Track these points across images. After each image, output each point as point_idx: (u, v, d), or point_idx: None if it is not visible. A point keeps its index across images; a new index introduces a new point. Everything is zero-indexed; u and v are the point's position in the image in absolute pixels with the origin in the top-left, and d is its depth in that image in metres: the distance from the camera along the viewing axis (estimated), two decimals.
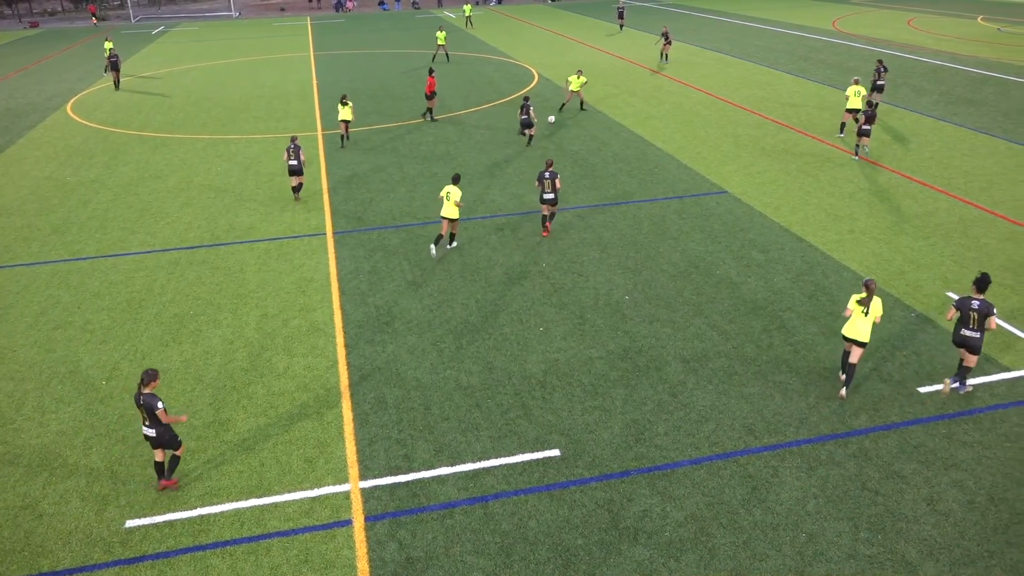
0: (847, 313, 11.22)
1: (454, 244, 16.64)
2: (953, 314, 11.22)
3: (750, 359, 12.45)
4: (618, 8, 53.61)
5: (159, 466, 9.87)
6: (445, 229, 16.25)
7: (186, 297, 14.98)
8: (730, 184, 20.39)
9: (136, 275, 15.96)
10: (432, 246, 16.09)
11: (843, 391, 11.38)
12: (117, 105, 31.82)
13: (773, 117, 27.03)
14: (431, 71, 28.02)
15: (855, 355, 11.25)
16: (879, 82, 26.78)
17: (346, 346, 13.06)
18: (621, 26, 50.02)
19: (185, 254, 16.92)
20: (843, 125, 24.25)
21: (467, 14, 55.95)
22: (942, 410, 11.12)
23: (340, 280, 15.42)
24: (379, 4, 72.04)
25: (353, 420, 11.25)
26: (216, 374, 12.51)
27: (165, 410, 9.69)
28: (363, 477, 10.10)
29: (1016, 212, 18.06)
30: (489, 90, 32.71)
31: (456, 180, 16.23)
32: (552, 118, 25.72)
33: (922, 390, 11.58)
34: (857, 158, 21.79)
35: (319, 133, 26.63)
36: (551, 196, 16.83)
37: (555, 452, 10.44)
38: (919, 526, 9.11)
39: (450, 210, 16.03)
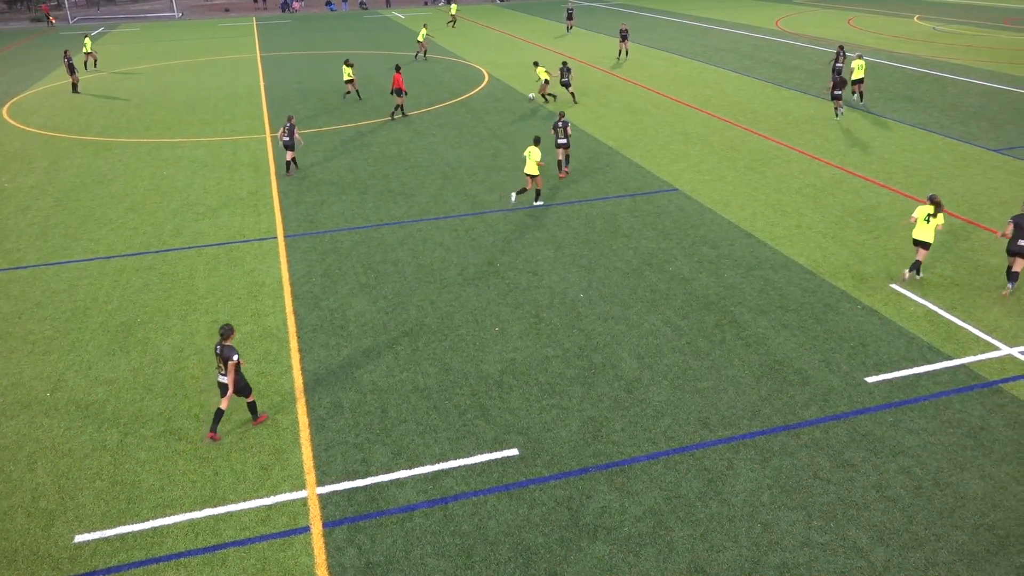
0: (911, 220, 14.59)
1: (539, 202, 18.96)
2: (1010, 229, 13.86)
3: (703, 354, 12.63)
4: (567, 9, 53.83)
5: (218, 413, 10.71)
6: (530, 184, 18.81)
7: (133, 305, 14.62)
8: (680, 182, 20.65)
9: (80, 283, 15.52)
10: (513, 193, 18.83)
11: (917, 275, 14.80)
12: (56, 109, 30.90)
13: (720, 115, 27.48)
14: (397, 67, 28.06)
15: (922, 255, 14.54)
16: (838, 64, 29.04)
17: (300, 351, 12.90)
18: (569, 27, 50.01)
19: (131, 261, 16.51)
20: (860, 95, 28.24)
21: (452, 12, 55.94)
22: (889, 399, 11.43)
23: (292, 284, 15.22)
24: (326, 4, 71.28)
25: (309, 425, 11.12)
26: (166, 383, 12.23)
27: (237, 364, 10.59)
28: (320, 483, 9.99)
29: (954, 205, 18.63)
30: (440, 91, 32.60)
31: (537, 142, 18.82)
32: (532, 95, 28.47)
33: (869, 380, 11.86)
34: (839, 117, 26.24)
35: (267, 136, 26.25)
36: (564, 141, 20.48)
37: (514, 452, 10.45)
38: (869, 513, 9.34)
39: (532, 167, 18.52)
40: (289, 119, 21.47)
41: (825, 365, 12.25)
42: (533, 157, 18.52)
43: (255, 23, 61.36)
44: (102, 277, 15.76)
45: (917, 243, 14.51)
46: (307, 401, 11.66)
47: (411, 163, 22.79)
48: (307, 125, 27.31)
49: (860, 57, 28.91)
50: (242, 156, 23.95)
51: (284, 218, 18.66)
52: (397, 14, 65.51)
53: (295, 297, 14.72)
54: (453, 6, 57.53)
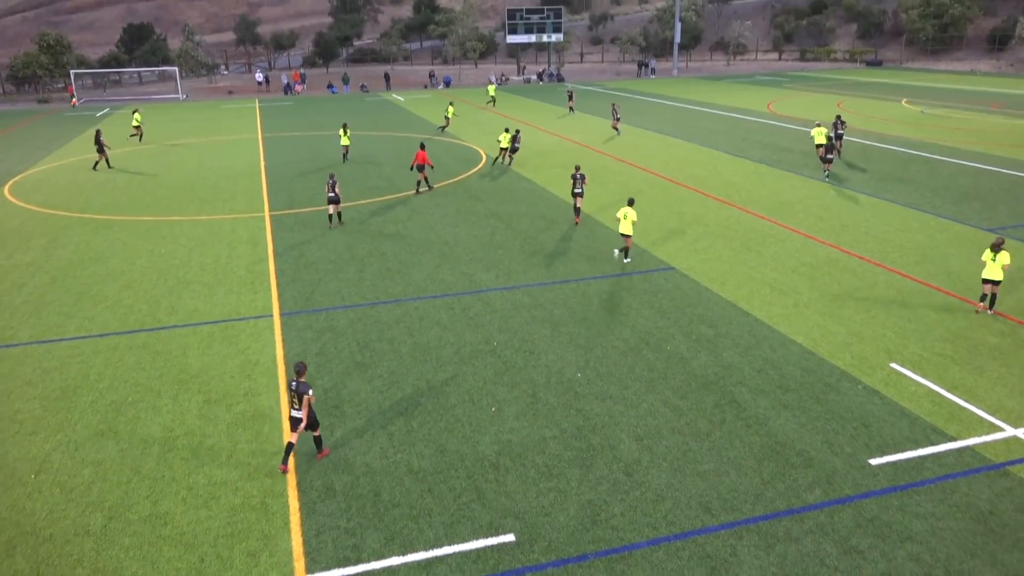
0: (983, 260, 16.81)
1: (627, 259, 20.61)
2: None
3: (703, 435, 12.44)
4: (567, 91, 55.56)
5: (289, 447, 11.55)
6: (629, 244, 20.49)
7: (124, 383, 14.45)
8: (676, 260, 20.77)
9: (72, 361, 15.38)
10: (616, 250, 20.91)
11: (989, 311, 16.67)
12: (58, 187, 31.29)
13: (715, 195, 27.87)
14: (422, 145, 28.95)
15: (991, 289, 16.45)
16: (840, 132, 33.44)
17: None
18: (571, 108, 51.64)
19: (124, 339, 16.42)
20: (823, 159, 30.43)
21: (491, 94, 57.36)
22: (894, 482, 11.19)
23: (287, 363, 15.09)
24: (327, 88, 73.20)
25: (300, 510, 10.83)
26: (155, 464, 11.98)
27: (309, 398, 11.53)
28: (310, 571, 9.66)
29: (950, 283, 18.69)
30: (439, 170, 33.13)
31: (631, 203, 20.47)
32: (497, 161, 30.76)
33: (873, 462, 11.65)
34: (827, 178, 29.32)
35: (266, 214, 26.50)
36: (580, 191, 23.95)
37: (510, 537, 10.16)
38: None
39: (627, 227, 20.23)
40: (331, 176, 23.95)
41: (828, 446, 12.06)
42: (629, 217, 20.25)
43: (257, 105, 62.84)
44: (94, 355, 15.64)
45: (986, 281, 16.47)
46: (298, 483, 11.39)
47: (409, 241, 22.94)
48: (306, 204, 27.59)
49: (819, 125, 33.21)
50: (241, 234, 24.12)
51: (280, 296, 18.63)
52: (397, 96, 67.19)
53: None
54: (491, 87, 58.99)
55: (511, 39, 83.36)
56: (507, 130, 33.78)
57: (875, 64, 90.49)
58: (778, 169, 32.21)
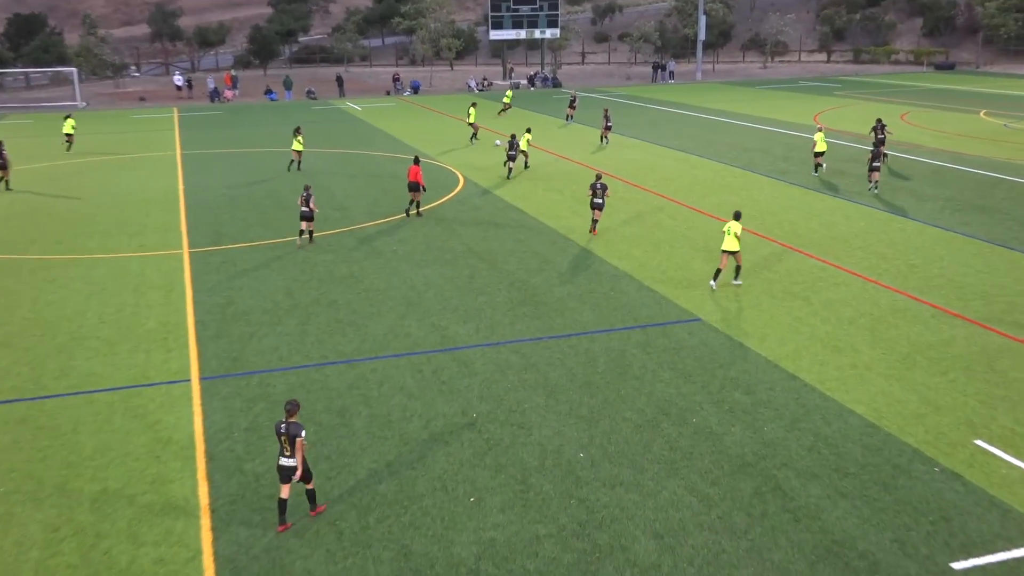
0: None
1: (737, 280, 22.15)
2: None
3: (740, 532, 12.34)
4: (571, 96, 56.58)
5: (283, 504, 12.35)
6: (724, 263, 21.60)
7: None
8: (703, 310, 20.87)
9: None
10: (713, 282, 21.90)
11: None
12: None
13: (751, 228, 28.15)
14: (416, 159, 30.34)
15: None
16: (880, 136, 36.41)
17: (213, 530, 12.50)
18: (569, 117, 52.66)
19: None
20: (817, 166, 36.06)
21: (506, 100, 58.55)
22: None
23: (208, 441, 14.96)
24: (266, 94, 73.94)
25: None
26: (31, 575, 11.71)
27: (303, 441, 12.22)
28: None
29: None
30: (403, 197, 33.40)
31: (738, 216, 21.84)
32: (498, 141, 33.15)
33: (956, 566, 11.58)
34: (875, 190, 32.43)
35: (185, 251, 26.53)
36: (600, 201, 26.76)
37: None
38: None
39: (731, 243, 21.44)
40: (306, 189, 26.30)
41: (899, 546, 11.98)
42: (733, 231, 21.46)
43: (176, 115, 63.39)
44: None
45: None
46: None
47: (365, 286, 22.97)
48: (236, 238, 27.68)
49: (821, 130, 36.86)
50: (151, 277, 24.08)
51: (201, 355, 18.56)
52: (352, 105, 67.98)
53: (210, 458, 14.43)
54: (508, 92, 60.07)
55: (495, 35, 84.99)
56: (528, 131, 38.57)
57: (946, 67, 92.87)
58: (829, 195, 32.65)
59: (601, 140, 45.52)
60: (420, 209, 30.60)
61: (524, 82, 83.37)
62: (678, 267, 24.20)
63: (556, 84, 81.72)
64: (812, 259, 24.75)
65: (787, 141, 45.60)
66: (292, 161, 39.56)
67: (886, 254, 25.20)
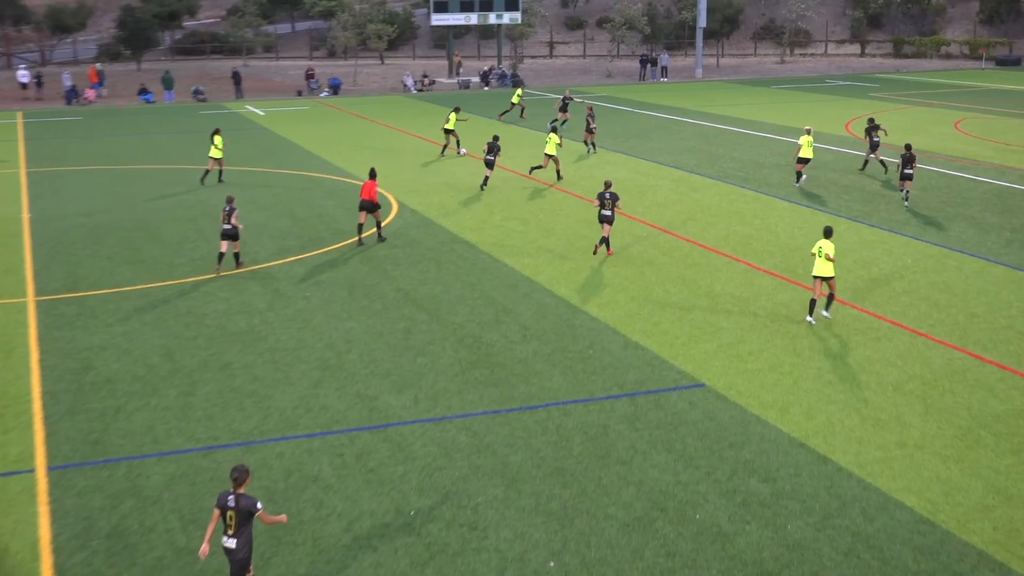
0: None
1: (826, 312, 23.55)
2: None
3: None
4: (564, 99, 56.96)
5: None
6: (819, 291, 23.13)
7: None
8: (708, 372, 20.93)
9: None
10: (810, 317, 23.36)
11: None
12: None
13: (766, 267, 28.39)
14: (372, 173, 31.52)
15: None
16: (875, 139, 40.37)
17: None
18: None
19: None
20: (799, 174, 39.20)
21: (515, 100, 59.83)
22: None
23: (56, 552, 14.63)
24: (139, 94, 73.62)
25: None
26: None
27: (264, 512, 12.73)
28: None
29: None
30: (319, 227, 33.30)
31: (828, 234, 23.60)
32: (464, 151, 35.18)
33: None
34: (907, 204, 35.17)
35: (29, 299, 26.24)
36: (608, 213, 28.75)
37: None
38: None
39: (824, 267, 22.85)
40: (229, 201, 27.71)
41: None
42: (825, 252, 22.75)
43: (20, 121, 62.97)
44: None
45: None
46: None
47: (269, 344, 22.81)
48: (99, 283, 27.40)
49: (809, 133, 38.98)
50: None
51: (50, 438, 18.27)
52: (253, 108, 67.95)
53: (60, 574, 14.09)
54: (518, 91, 61.46)
55: (439, 20, 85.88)
56: (554, 130, 41.31)
57: (1010, 63, 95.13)
58: (864, 224, 33.04)
59: (587, 147, 47.12)
60: (382, 232, 31.61)
61: (476, 79, 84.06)
62: (675, 318, 24.26)
63: (516, 82, 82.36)
64: (846, 307, 24.94)
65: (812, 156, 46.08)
66: (208, 172, 40.51)
67: (939, 300, 25.44)
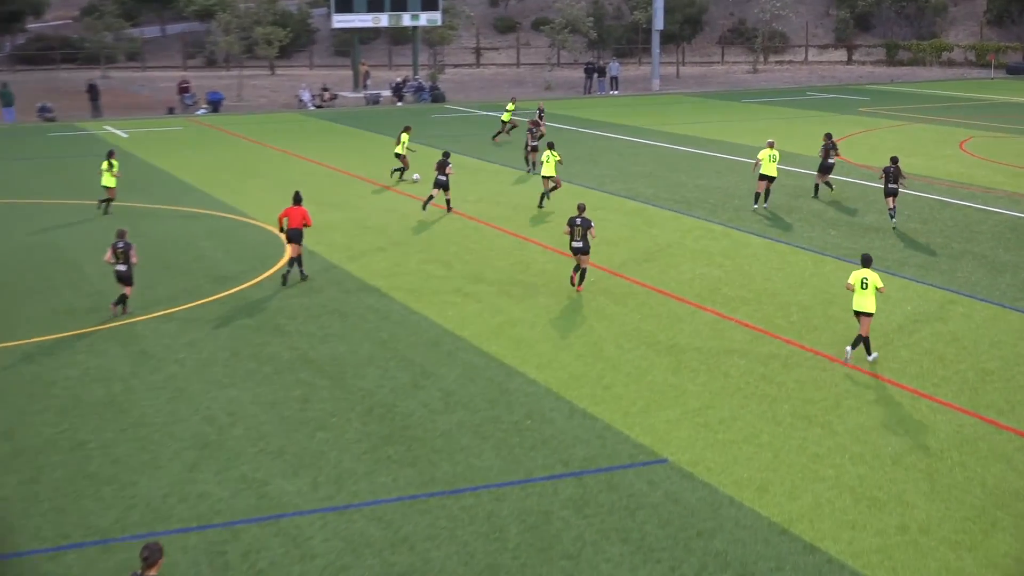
0: None
1: (873, 356, 24.65)
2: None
3: None
4: (539, 110, 57.01)
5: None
6: (866, 329, 24.49)
7: None
8: (669, 445, 20.89)
9: None
10: (848, 348, 24.63)
11: None
12: None
13: (738, 316, 28.52)
14: (297, 198, 32.50)
15: None
16: (829, 161, 42.23)
17: None
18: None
19: None
20: (757, 195, 41.10)
21: (505, 119, 59.86)
22: None
23: None
24: None
25: None
26: None
27: None
28: None
29: None
30: (196, 274, 32.97)
31: (869, 262, 24.95)
32: (417, 176, 37.30)
33: None
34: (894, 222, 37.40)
35: None
36: (580, 244, 29.63)
37: None
38: None
39: (866, 301, 24.33)
40: (121, 235, 28.70)
41: None
42: (872, 282, 24.13)
43: None
44: None
45: None
46: None
47: (133, 418, 22.54)
48: None
49: (771, 146, 40.90)
50: None
51: None
52: (115, 130, 67.21)
53: None
54: (510, 105, 60.68)
55: (341, 21, 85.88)
56: (551, 146, 42.29)
57: (1022, 71, 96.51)
58: (854, 264, 33.05)
59: (527, 165, 47.86)
60: (303, 268, 32.16)
61: (387, 93, 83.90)
62: (631, 379, 24.19)
63: (436, 96, 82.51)
64: (835, 364, 25.03)
65: (792, 181, 46.40)
66: (105, 201, 41.94)
67: (945, 355, 25.56)
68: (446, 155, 40.53)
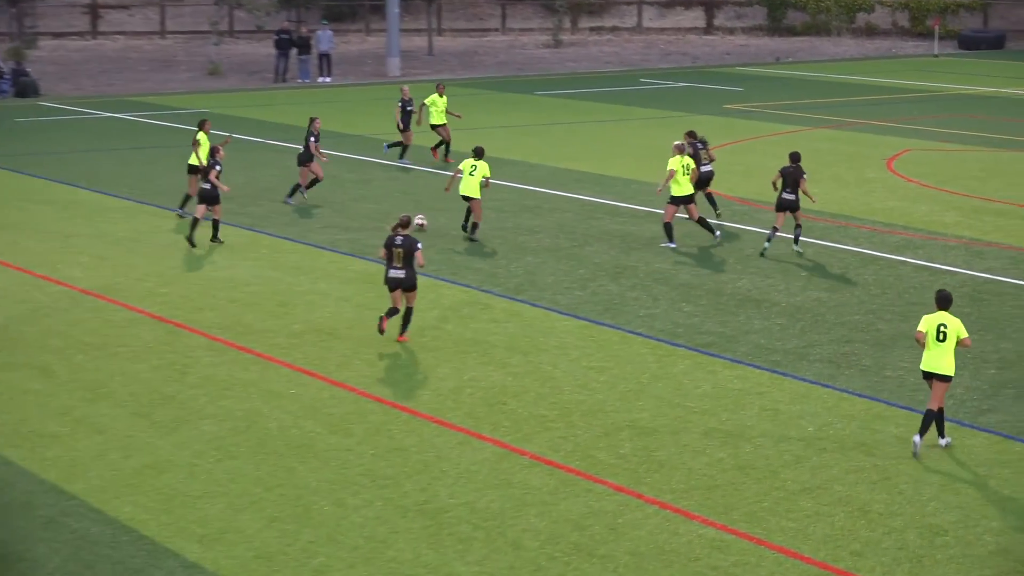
0: None
1: (946, 441, 20.94)
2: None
3: None
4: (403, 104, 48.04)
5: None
6: (939, 398, 20.95)
7: None
8: None
9: None
10: (916, 438, 20.31)
11: None
12: None
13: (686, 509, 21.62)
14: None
15: None
16: (704, 168, 35.65)
17: None
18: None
19: None
20: (669, 231, 34.34)
21: (439, 106, 50.18)
22: None
23: None
24: None
25: None
26: None
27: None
28: None
29: None
30: None
31: (945, 303, 21.70)
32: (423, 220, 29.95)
33: None
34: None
35: None
36: (400, 274, 25.81)
37: None
38: None
39: (943, 360, 20.83)
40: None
41: None
42: (954, 330, 20.80)
43: None
44: None
45: None
46: None
47: None
48: None
49: (680, 151, 34.37)
50: None
51: None
52: None
53: None
54: (435, 98, 51.45)
55: None
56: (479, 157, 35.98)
57: (983, 42, 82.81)
58: (777, 374, 25.04)
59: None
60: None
61: None
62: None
63: (25, 88, 66.00)
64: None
65: (620, 229, 37.70)
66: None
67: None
68: (215, 151, 33.68)
